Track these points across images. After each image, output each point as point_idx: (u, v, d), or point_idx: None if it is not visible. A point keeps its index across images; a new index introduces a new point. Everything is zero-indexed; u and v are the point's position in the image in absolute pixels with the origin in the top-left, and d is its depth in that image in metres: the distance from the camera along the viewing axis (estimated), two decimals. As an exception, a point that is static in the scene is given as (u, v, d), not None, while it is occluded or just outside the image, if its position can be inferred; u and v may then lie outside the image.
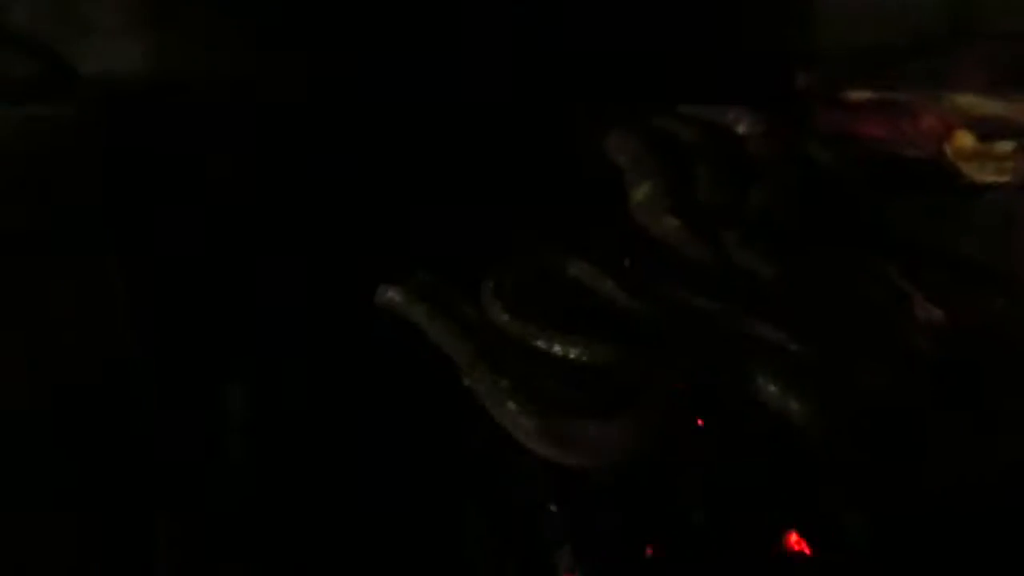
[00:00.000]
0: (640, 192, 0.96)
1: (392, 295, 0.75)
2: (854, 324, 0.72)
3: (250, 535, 0.70)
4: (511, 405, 0.60)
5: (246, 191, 0.93)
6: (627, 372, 0.61)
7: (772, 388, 0.63)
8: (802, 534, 0.60)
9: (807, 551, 0.60)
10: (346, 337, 0.77)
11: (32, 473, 0.71)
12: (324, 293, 0.80)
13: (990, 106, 1.10)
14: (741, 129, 1.09)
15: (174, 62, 1.03)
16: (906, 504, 0.61)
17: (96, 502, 0.71)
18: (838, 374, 0.66)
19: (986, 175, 1.02)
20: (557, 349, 0.65)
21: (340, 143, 0.99)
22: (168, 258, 0.89)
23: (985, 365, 0.69)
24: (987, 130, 1.07)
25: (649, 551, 0.61)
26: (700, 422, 0.63)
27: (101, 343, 0.83)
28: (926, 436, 0.61)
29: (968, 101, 1.11)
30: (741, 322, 0.68)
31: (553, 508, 0.63)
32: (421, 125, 1.03)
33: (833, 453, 0.64)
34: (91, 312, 0.85)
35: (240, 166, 0.96)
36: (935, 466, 0.61)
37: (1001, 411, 0.66)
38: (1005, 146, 1.04)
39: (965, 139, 1.06)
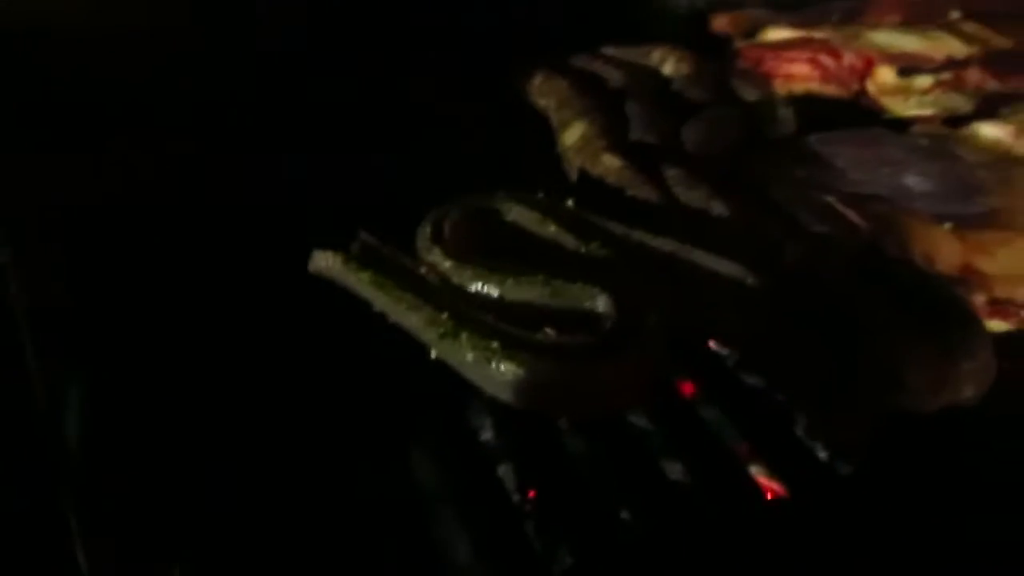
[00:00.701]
0: (572, 134, 0.92)
1: (328, 261, 0.68)
2: (804, 256, 0.70)
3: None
4: (509, 366, 0.55)
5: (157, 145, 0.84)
6: (609, 315, 0.57)
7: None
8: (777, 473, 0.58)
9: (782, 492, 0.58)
10: (279, 304, 0.70)
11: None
12: (249, 257, 0.73)
13: (907, 42, 1.10)
14: (667, 69, 1.07)
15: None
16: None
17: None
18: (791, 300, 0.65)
19: (909, 109, 1.02)
20: (516, 293, 0.61)
21: (257, 89, 0.92)
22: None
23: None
24: (906, 65, 1.07)
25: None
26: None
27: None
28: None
29: (885, 38, 1.11)
30: (699, 259, 0.65)
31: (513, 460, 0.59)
32: (339, 75, 0.97)
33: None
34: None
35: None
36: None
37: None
38: (924, 80, 1.05)
39: (886, 75, 1.06)
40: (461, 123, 0.96)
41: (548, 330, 0.58)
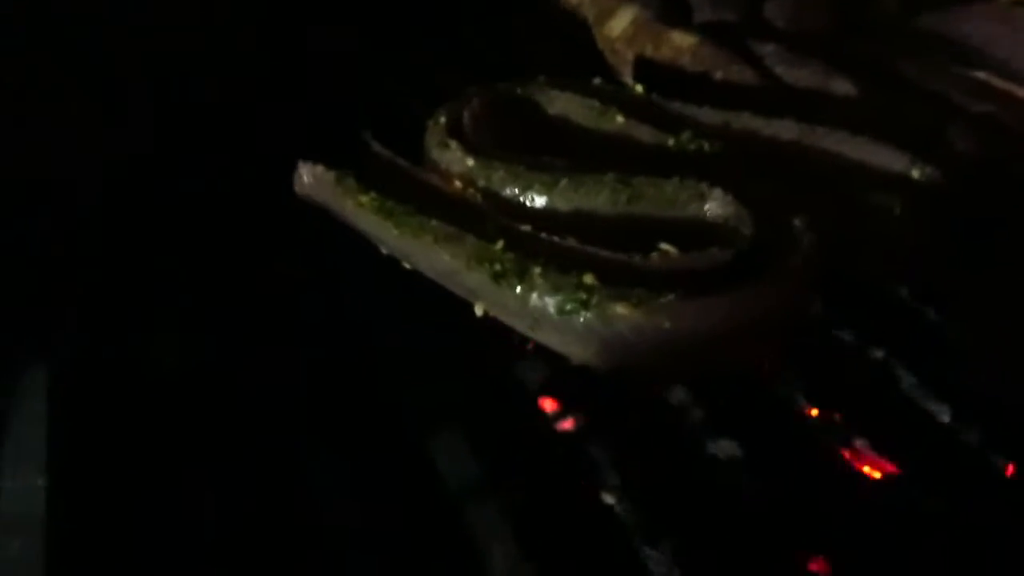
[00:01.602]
0: (619, 22, 0.71)
1: (317, 177, 0.47)
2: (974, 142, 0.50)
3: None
4: (618, 311, 0.34)
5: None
6: (736, 220, 0.37)
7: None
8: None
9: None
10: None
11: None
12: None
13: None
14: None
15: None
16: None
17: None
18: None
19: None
20: (572, 200, 0.40)
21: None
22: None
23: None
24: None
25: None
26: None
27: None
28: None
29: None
30: (837, 146, 0.45)
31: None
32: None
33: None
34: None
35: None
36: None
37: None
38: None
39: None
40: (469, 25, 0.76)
41: (665, 246, 0.37)
